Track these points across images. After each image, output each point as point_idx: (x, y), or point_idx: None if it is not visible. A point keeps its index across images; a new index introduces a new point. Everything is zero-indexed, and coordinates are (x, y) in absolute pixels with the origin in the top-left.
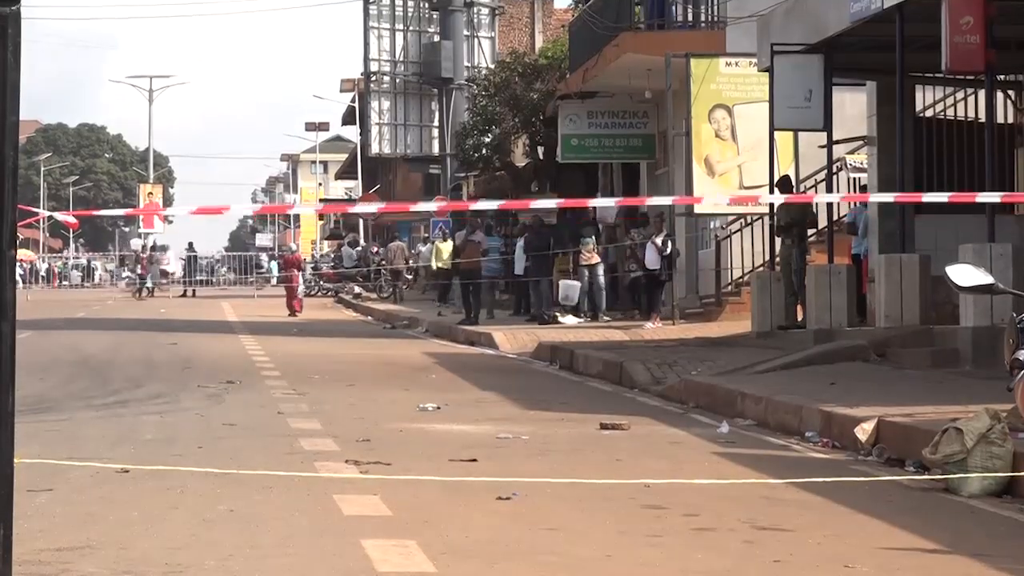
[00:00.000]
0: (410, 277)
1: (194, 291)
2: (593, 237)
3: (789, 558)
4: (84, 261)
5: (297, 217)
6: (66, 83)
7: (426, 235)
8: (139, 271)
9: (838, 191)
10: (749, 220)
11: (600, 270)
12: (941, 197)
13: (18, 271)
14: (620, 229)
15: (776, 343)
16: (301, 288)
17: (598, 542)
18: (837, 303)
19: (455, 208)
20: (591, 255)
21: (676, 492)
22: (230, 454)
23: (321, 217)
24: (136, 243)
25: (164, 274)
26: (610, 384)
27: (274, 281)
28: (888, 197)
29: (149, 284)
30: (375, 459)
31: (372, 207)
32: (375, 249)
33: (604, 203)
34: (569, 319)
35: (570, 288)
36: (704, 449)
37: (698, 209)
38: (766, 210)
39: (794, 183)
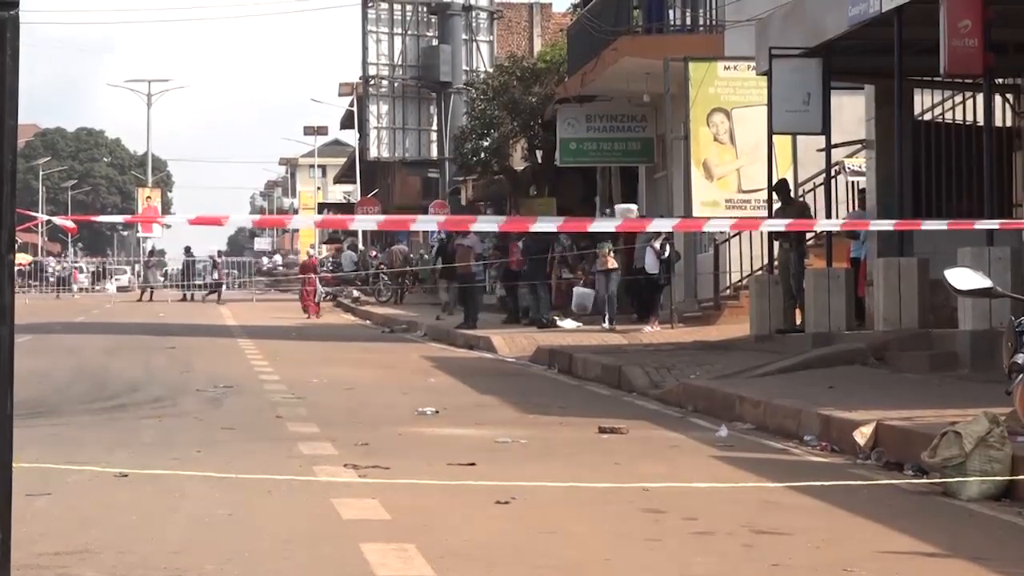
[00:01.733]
0: (408, 282)
1: (192, 295)
2: (609, 241)
3: (788, 562)
4: (83, 265)
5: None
6: (64, 87)
7: (443, 238)
8: (215, 276)
9: (836, 195)
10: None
11: (615, 276)
12: (940, 225)
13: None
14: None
15: (774, 347)
16: (319, 292)
17: (597, 546)
18: (835, 307)
19: (455, 227)
20: (608, 260)
21: (675, 496)
22: (228, 458)
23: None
24: (212, 248)
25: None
26: (608, 388)
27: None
28: (887, 225)
29: (224, 286)
30: (374, 463)
31: (371, 223)
32: (373, 253)
33: (604, 227)
34: (568, 323)
35: (584, 296)
36: (703, 453)
37: (697, 213)
38: (764, 213)
39: (792, 187)
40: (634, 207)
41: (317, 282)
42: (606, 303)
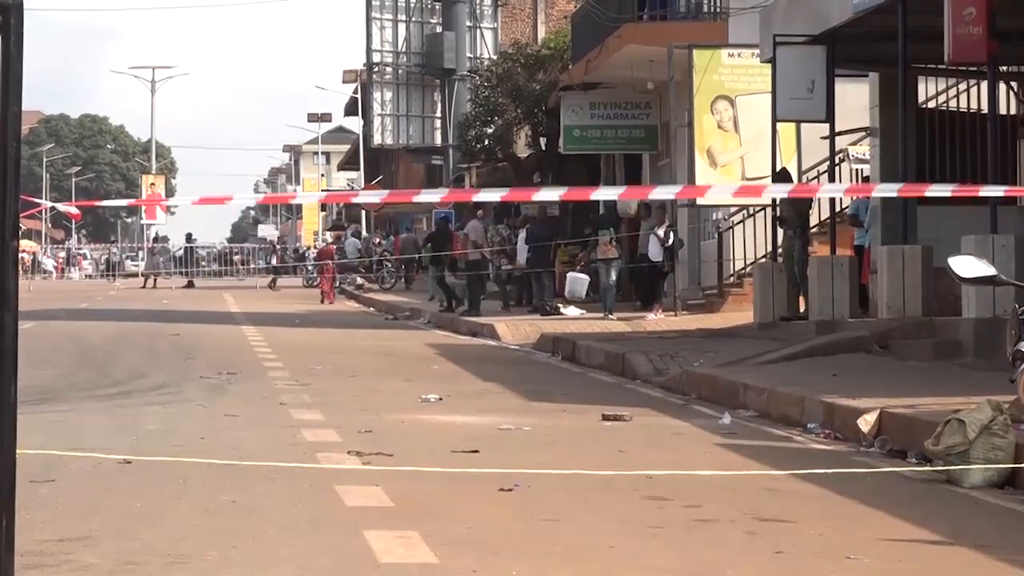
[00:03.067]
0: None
1: (192, 282)
2: (611, 229)
3: (791, 549)
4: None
5: (300, 207)
6: (68, 74)
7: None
8: (274, 261)
9: (840, 183)
10: (751, 211)
11: (616, 264)
12: (945, 191)
13: (51, 263)
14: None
15: (778, 334)
16: (335, 277)
17: (600, 533)
18: (839, 294)
19: (458, 199)
20: (608, 249)
21: (678, 483)
22: (232, 445)
23: (323, 207)
24: (271, 232)
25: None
26: (612, 375)
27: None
28: (892, 191)
29: (315, 275)
30: (377, 450)
31: (375, 197)
32: (377, 240)
33: (607, 195)
34: (571, 310)
35: (577, 282)
36: (706, 440)
37: (701, 200)
38: (768, 201)
39: (795, 175)
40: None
41: (334, 268)
42: (606, 292)
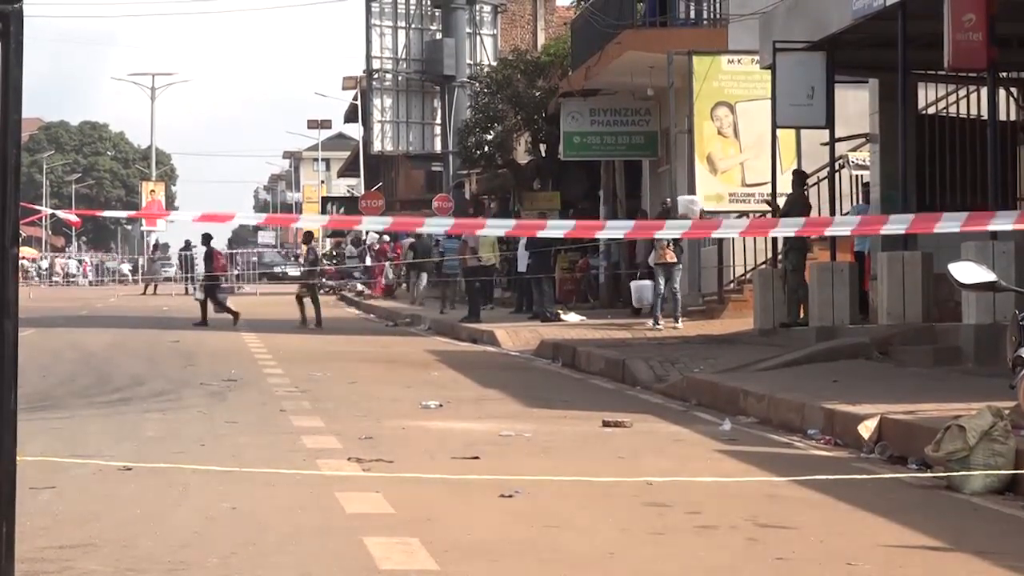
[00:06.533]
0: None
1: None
2: None
3: (791, 555)
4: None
5: (300, 209)
6: (68, 81)
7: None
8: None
9: (840, 189)
10: (752, 217)
11: (678, 271)
12: (954, 225)
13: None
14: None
15: (778, 340)
16: (390, 275)
17: (600, 539)
18: (839, 301)
19: (465, 229)
20: (666, 253)
21: (678, 489)
22: (232, 452)
23: (323, 210)
24: (372, 237)
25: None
26: (612, 382)
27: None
28: (902, 226)
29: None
30: (377, 457)
31: (380, 224)
32: (378, 247)
33: (612, 235)
34: (571, 317)
35: (643, 289)
36: (706, 447)
37: (702, 205)
38: (768, 208)
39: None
40: (696, 198)
41: (387, 266)
42: (663, 300)
